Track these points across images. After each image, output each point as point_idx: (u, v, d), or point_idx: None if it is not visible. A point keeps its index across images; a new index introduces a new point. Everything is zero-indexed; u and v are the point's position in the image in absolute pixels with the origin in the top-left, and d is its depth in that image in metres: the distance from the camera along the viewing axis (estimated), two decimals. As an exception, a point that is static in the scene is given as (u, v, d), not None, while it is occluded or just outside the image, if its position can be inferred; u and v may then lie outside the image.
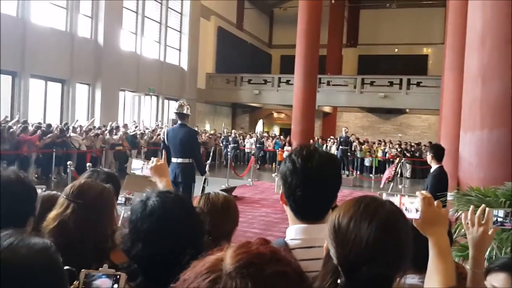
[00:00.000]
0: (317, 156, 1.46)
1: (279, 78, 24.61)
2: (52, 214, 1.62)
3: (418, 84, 22.32)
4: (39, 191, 2.22)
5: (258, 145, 20.30)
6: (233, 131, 20.92)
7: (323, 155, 1.49)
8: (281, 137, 22.88)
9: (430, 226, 1.34)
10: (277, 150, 20.00)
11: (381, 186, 12.96)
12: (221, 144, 19.89)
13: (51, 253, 0.93)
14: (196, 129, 12.05)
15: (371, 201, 1.12)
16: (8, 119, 13.04)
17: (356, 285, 1.03)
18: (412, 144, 20.98)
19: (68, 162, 9.33)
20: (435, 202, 1.36)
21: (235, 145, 19.56)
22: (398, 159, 14.67)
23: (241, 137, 21.76)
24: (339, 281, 1.05)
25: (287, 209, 1.53)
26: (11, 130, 11.48)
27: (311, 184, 1.43)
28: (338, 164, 1.60)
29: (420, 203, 1.35)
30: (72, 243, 1.43)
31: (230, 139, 19.85)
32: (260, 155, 19.80)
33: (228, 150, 19.04)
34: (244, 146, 21.06)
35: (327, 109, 27.46)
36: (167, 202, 1.44)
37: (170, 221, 1.40)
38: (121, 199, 2.55)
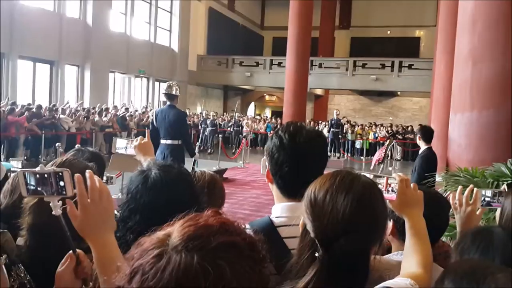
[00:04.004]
0: (304, 132, 1.45)
1: (271, 60, 24.46)
2: None
3: (410, 66, 22.33)
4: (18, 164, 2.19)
5: (235, 128, 20.05)
6: (211, 113, 20.56)
7: (310, 131, 1.49)
8: (273, 119, 22.86)
9: (406, 207, 1.35)
10: (268, 133, 19.98)
11: (371, 168, 13.05)
12: (199, 127, 19.35)
13: None
14: (187, 111, 11.94)
15: (346, 174, 1.13)
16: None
17: (334, 258, 1.03)
18: (404, 126, 21.08)
19: (57, 144, 9.25)
20: (411, 185, 1.37)
21: (214, 128, 19.14)
22: (388, 141, 14.73)
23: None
24: (316, 254, 1.04)
25: (273, 187, 1.52)
26: (-3, 111, 11.35)
27: (299, 160, 1.42)
28: (325, 140, 1.60)
29: (397, 185, 1.36)
30: (52, 221, 1.40)
31: (208, 121, 19.28)
32: (250, 137, 19.57)
33: (206, 133, 18.74)
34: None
35: (319, 91, 27.41)
36: (170, 178, 1.41)
37: (171, 196, 1.37)
38: (105, 178, 2.53)
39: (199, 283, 0.61)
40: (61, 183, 1.09)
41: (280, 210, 1.46)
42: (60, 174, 1.09)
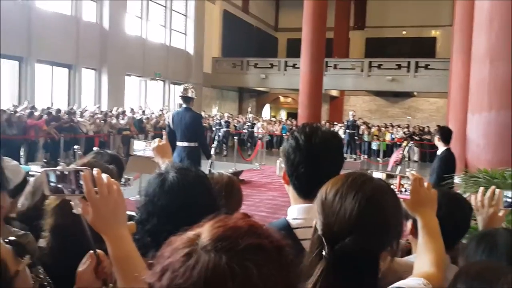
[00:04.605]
0: (320, 133, 1.46)
1: (286, 62, 24.44)
2: None
3: (426, 66, 22.10)
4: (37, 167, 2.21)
5: (250, 129, 20.10)
6: (225, 114, 20.61)
7: (326, 132, 1.49)
8: (288, 121, 22.83)
9: (419, 206, 1.34)
10: (284, 135, 19.95)
11: (389, 169, 12.92)
12: (213, 129, 19.37)
13: None
14: (202, 113, 11.99)
15: (359, 176, 1.13)
16: (16, 104, 13.15)
17: (339, 257, 1.02)
18: (420, 127, 20.88)
19: (76, 147, 9.37)
20: (425, 183, 1.36)
21: (227, 129, 19.18)
22: (405, 142, 14.59)
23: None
24: (324, 252, 1.04)
25: (289, 189, 1.52)
26: (18, 114, 11.54)
27: (315, 161, 1.42)
28: (341, 141, 1.60)
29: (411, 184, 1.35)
30: (73, 223, 1.43)
31: (223, 122, 19.34)
32: (265, 139, 19.55)
33: (220, 134, 18.76)
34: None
35: (334, 93, 27.29)
36: (187, 181, 1.42)
37: (188, 199, 1.38)
38: (123, 180, 2.55)
39: (227, 283, 0.62)
40: (81, 182, 1.11)
41: (296, 211, 1.47)
42: (81, 172, 1.12)
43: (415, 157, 18.76)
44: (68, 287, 1.34)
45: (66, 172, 1.12)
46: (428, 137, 19.09)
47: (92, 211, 1.09)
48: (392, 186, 1.29)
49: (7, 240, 1.00)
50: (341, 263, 1.02)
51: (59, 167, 1.15)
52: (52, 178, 1.13)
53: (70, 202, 1.14)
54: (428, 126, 20.87)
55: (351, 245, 1.02)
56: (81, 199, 1.12)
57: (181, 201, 1.37)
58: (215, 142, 13.58)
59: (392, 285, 1.11)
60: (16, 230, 1.52)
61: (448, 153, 5.32)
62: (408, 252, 1.69)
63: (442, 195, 1.45)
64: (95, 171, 1.11)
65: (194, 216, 1.32)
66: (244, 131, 20.46)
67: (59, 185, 1.13)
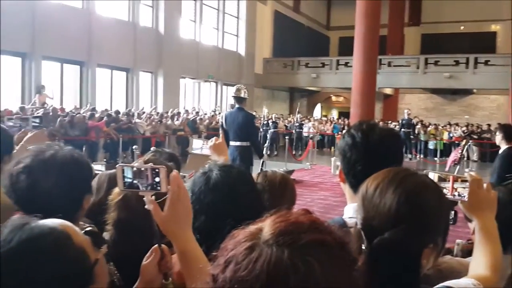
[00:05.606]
0: (377, 130, 1.44)
1: (337, 61, 24.15)
2: (118, 189, 1.68)
3: (486, 62, 21.13)
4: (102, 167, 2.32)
5: (298, 130, 19.95)
6: (273, 115, 20.53)
7: (383, 129, 1.47)
8: (340, 120, 22.54)
9: (477, 209, 1.29)
10: (335, 134, 19.72)
11: (447, 169, 12.46)
12: (261, 129, 18.94)
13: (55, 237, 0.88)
14: (254, 113, 12.05)
15: (401, 171, 1.11)
16: (78, 107, 13.82)
17: (377, 251, 1.01)
18: (479, 125, 20.00)
19: (134, 146, 9.71)
20: (485, 185, 1.30)
21: (275, 129, 18.93)
22: (464, 141, 14.02)
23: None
24: (363, 247, 1.04)
25: (346, 187, 1.51)
26: (78, 115, 12.10)
27: (372, 158, 1.40)
28: (399, 138, 1.57)
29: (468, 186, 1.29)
30: (135, 217, 1.49)
31: (270, 123, 19.16)
32: (317, 139, 19.31)
33: (268, 135, 18.71)
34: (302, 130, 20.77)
35: (388, 91, 26.65)
36: (231, 177, 1.44)
37: (233, 195, 1.41)
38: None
39: (289, 277, 0.62)
40: (157, 179, 1.15)
41: (352, 210, 1.45)
42: (157, 170, 1.15)
43: (474, 157, 18.01)
44: (129, 278, 1.39)
45: (143, 169, 1.16)
46: (488, 135, 18.24)
47: (170, 211, 1.12)
48: (444, 190, 1.24)
49: (83, 232, 1.05)
50: (380, 258, 1.01)
51: (136, 163, 1.19)
52: (128, 173, 1.17)
53: (144, 198, 1.16)
54: (488, 124, 19.94)
55: (389, 240, 1.01)
56: (153, 200, 1.14)
57: (226, 197, 1.40)
58: (267, 142, 13.60)
59: (442, 283, 1.09)
60: (81, 224, 1.61)
61: (510, 151, 5.06)
62: (470, 252, 1.63)
63: (510, 193, 1.39)
64: (175, 172, 1.14)
65: (240, 211, 1.37)
66: (293, 131, 20.40)
67: (135, 181, 1.17)
